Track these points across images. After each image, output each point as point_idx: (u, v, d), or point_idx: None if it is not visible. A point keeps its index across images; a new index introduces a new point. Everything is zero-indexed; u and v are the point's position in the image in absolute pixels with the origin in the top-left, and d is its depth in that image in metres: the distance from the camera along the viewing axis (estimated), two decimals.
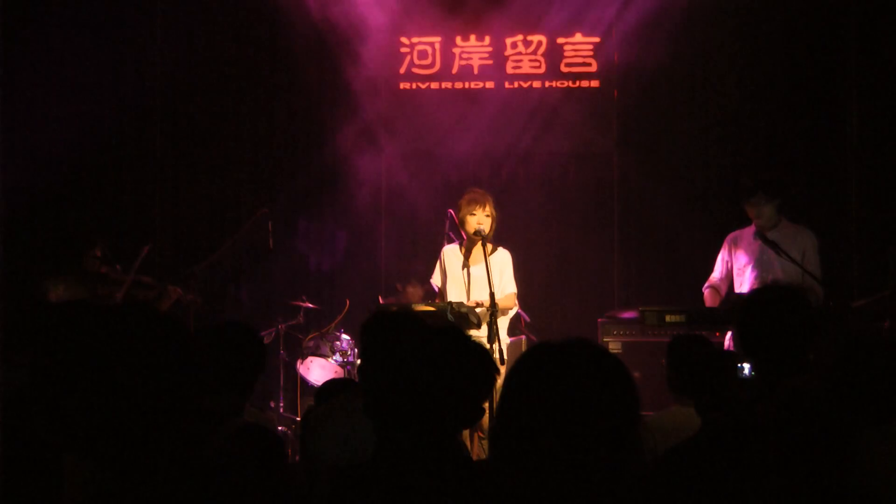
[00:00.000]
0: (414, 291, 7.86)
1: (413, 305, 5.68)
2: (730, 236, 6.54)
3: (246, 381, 3.23)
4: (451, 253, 6.12)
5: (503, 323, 5.86)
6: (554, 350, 1.78)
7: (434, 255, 6.33)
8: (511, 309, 5.96)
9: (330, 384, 4.12)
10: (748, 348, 3.06)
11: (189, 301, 6.74)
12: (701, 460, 2.55)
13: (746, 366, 3.53)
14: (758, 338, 3.03)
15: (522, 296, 6.14)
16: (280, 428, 7.05)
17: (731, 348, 5.88)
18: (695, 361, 3.74)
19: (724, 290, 6.44)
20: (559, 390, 1.71)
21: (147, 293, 6.53)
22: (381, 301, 7.12)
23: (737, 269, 6.43)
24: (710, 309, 6.30)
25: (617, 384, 1.76)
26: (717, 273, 6.51)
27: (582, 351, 1.77)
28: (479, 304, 5.65)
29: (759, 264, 6.29)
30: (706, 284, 6.53)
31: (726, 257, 6.49)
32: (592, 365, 1.75)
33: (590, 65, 8.48)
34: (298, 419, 7.27)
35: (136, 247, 6.55)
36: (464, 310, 5.54)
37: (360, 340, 3.48)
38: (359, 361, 4.20)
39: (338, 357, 7.23)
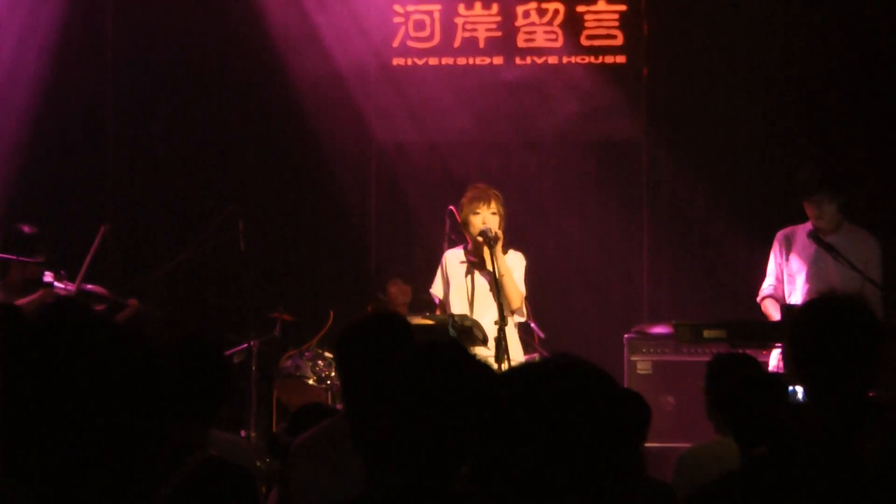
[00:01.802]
0: (399, 292, 7.82)
1: (410, 318, 5.65)
2: (780, 234, 6.52)
3: (209, 407, 3.21)
4: (454, 259, 6.11)
5: (513, 338, 5.85)
6: (533, 374, 1.79)
7: (433, 260, 6.32)
8: (517, 310, 5.95)
9: (305, 411, 4.10)
10: (799, 370, 3.04)
11: (148, 314, 6.73)
12: (738, 503, 2.53)
13: (798, 390, 3.51)
14: (811, 357, 3.00)
15: (536, 308, 6.12)
16: None
17: (781, 369, 5.86)
18: (736, 385, 3.72)
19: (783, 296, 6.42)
20: (540, 425, 1.72)
21: (99, 305, 6.52)
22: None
23: (787, 274, 6.41)
24: (756, 323, 6.29)
25: (611, 405, 1.77)
26: (771, 278, 6.48)
27: (567, 374, 1.77)
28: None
29: (814, 271, 6.27)
30: (762, 294, 6.49)
31: (779, 259, 6.47)
32: (579, 391, 1.75)
33: (615, 37, 8.47)
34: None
35: (83, 252, 6.54)
36: (468, 323, 5.53)
37: (337, 355, 3.47)
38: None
39: (320, 378, 7.22)
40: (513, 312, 5.89)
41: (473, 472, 1.81)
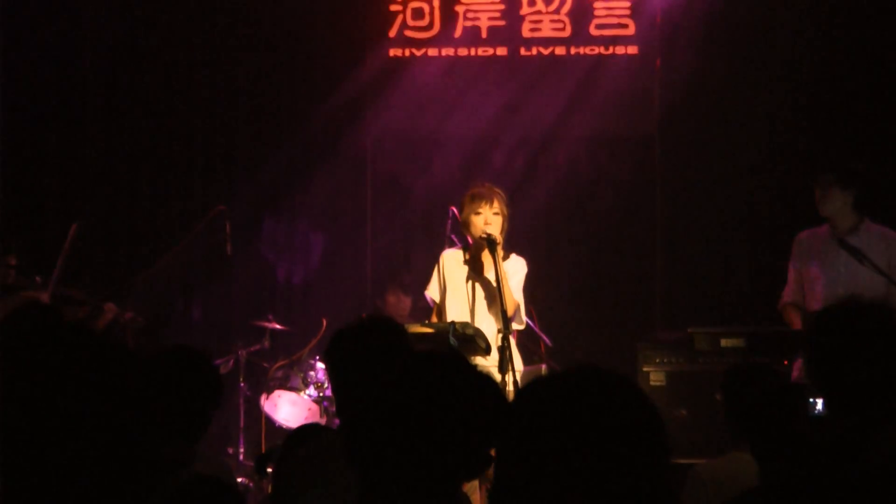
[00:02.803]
0: (397, 302, 7.84)
1: (408, 326, 5.67)
2: (799, 238, 6.54)
3: (196, 421, 3.23)
4: (453, 259, 6.12)
5: (512, 347, 5.86)
6: (554, 385, 1.78)
7: (432, 263, 6.33)
8: (512, 318, 5.95)
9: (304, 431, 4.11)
10: (820, 379, 3.05)
11: (127, 320, 6.74)
12: None
13: (819, 401, 3.52)
14: (832, 366, 3.02)
15: (541, 315, 6.15)
16: (240, 479, 7.05)
17: (803, 380, 5.87)
18: (754, 396, 3.74)
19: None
20: (562, 438, 1.71)
21: (75, 311, 6.53)
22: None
23: (807, 279, 6.42)
24: (777, 331, 6.30)
25: (640, 424, 1.76)
26: (792, 284, 6.50)
27: (591, 384, 1.77)
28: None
29: (835, 275, 6.29)
30: (783, 301, 6.51)
31: (797, 264, 6.49)
32: (605, 401, 1.75)
33: (626, 26, 8.50)
34: (269, 470, 7.27)
35: (57, 255, 6.55)
36: (470, 332, 5.54)
37: (328, 363, 3.48)
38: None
39: (312, 391, 7.23)
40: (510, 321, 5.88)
41: (491, 496, 1.81)
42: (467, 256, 6.09)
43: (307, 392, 7.24)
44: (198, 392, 3.24)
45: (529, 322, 6.36)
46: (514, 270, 6.00)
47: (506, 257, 5.98)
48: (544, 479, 1.69)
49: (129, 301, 6.81)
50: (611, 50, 8.50)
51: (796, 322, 6.34)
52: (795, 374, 6.12)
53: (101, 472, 1.76)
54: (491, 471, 3.23)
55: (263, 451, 7.41)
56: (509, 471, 1.75)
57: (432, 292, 6.16)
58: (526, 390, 1.80)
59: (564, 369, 1.80)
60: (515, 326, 5.92)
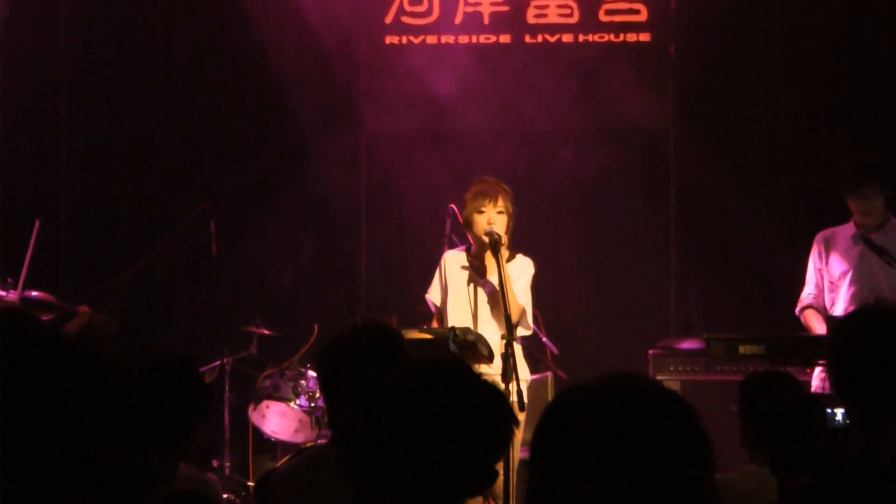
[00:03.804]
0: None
1: (405, 332, 5.68)
2: (820, 236, 6.54)
3: (180, 433, 3.24)
4: (454, 261, 6.12)
5: (518, 355, 5.86)
6: (595, 394, 1.76)
7: (431, 265, 6.33)
8: (518, 324, 5.95)
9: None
10: (842, 388, 3.06)
11: (103, 325, 6.74)
12: None
13: (839, 412, 3.53)
14: (856, 374, 3.03)
15: (548, 320, 6.15)
16: (225, 496, 7.06)
17: (825, 390, 5.89)
18: (773, 408, 3.75)
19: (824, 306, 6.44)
20: (608, 450, 1.70)
21: (45, 314, 6.53)
22: None
23: (829, 281, 6.43)
24: (799, 337, 6.31)
25: (686, 435, 1.75)
26: (811, 286, 6.51)
27: (634, 392, 1.76)
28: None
29: (859, 276, 6.30)
30: (801, 305, 6.52)
31: (818, 264, 6.49)
32: (650, 411, 1.74)
33: (638, 12, 8.51)
34: (250, 484, 7.27)
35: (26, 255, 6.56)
36: (471, 338, 5.54)
37: (320, 372, 3.49)
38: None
39: (303, 401, 7.24)
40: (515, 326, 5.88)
41: None
42: (470, 258, 6.09)
43: (297, 402, 7.24)
44: (181, 403, 3.24)
45: (535, 328, 6.37)
46: (521, 272, 6.00)
47: (511, 258, 5.98)
48: (584, 497, 1.69)
49: (105, 304, 6.81)
50: (621, 37, 8.50)
51: (816, 327, 6.34)
52: (816, 383, 6.13)
53: (78, 488, 1.76)
54: (496, 485, 3.23)
55: (251, 465, 7.43)
56: (545, 488, 1.74)
57: (433, 296, 6.16)
58: (564, 399, 1.78)
59: (603, 376, 1.77)
60: (521, 332, 5.92)
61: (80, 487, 1.76)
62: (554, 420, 1.76)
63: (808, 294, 6.51)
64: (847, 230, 6.42)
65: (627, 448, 1.69)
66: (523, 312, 5.93)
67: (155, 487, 3.04)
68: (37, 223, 6.53)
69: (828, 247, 6.47)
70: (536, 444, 1.76)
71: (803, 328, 6.51)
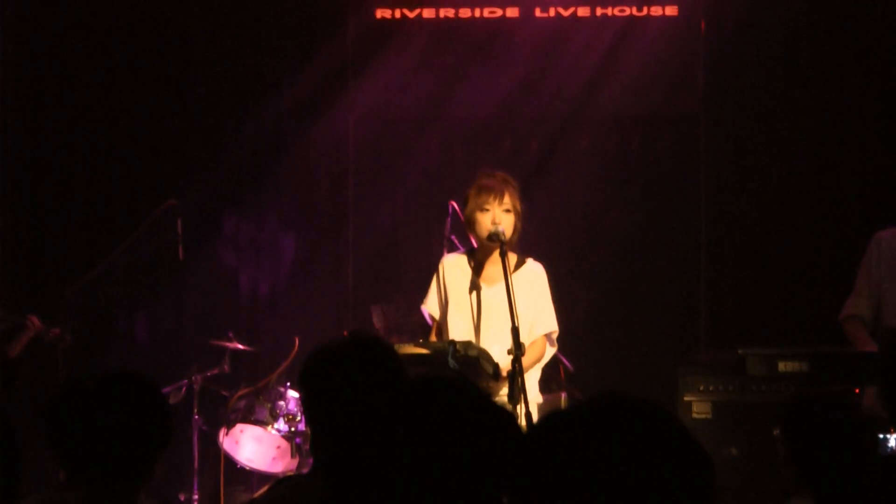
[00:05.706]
0: (386, 326, 7.85)
1: (399, 346, 5.69)
2: (877, 237, 6.53)
3: (140, 463, 3.24)
4: (455, 267, 6.13)
5: (532, 374, 5.87)
6: (575, 418, 1.78)
7: (427, 269, 6.34)
8: (539, 360, 5.96)
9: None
10: (894, 410, 3.07)
11: (54, 338, 6.75)
12: None
13: (892, 438, 3.52)
14: None
15: (561, 332, 6.15)
16: None
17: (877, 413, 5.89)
18: (818, 432, 3.75)
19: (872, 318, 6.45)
20: (586, 483, 1.71)
21: None
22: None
23: (887, 288, 6.43)
24: (846, 352, 6.31)
25: (681, 464, 1.76)
26: (862, 293, 6.51)
27: (619, 415, 1.78)
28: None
29: None
30: (845, 312, 6.53)
31: (873, 269, 6.49)
32: (637, 437, 1.75)
33: None
34: None
35: None
36: (473, 353, 5.55)
37: (302, 391, 3.49)
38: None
39: (282, 425, 7.25)
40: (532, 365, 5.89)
41: None
42: (472, 263, 6.10)
43: (275, 426, 7.25)
44: (142, 427, 3.24)
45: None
46: (533, 278, 6.00)
47: (521, 263, 5.99)
48: None
49: (58, 315, 6.82)
50: (645, 11, 8.52)
51: (861, 340, 6.34)
52: (867, 403, 6.13)
53: None
54: None
55: (221, 498, 7.44)
56: None
57: (430, 307, 6.15)
58: (542, 425, 1.80)
59: (587, 398, 1.80)
60: (548, 351, 5.96)
61: None
62: (536, 444, 1.78)
63: (855, 301, 6.50)
64: None
65: (614, 474, 1.73)
66: (546, 341, 5.97)
67: None
68: None
69: (886, 250, 6.45)
70: (519, 473, 1.77)
71: (849, 340, 6.51)
